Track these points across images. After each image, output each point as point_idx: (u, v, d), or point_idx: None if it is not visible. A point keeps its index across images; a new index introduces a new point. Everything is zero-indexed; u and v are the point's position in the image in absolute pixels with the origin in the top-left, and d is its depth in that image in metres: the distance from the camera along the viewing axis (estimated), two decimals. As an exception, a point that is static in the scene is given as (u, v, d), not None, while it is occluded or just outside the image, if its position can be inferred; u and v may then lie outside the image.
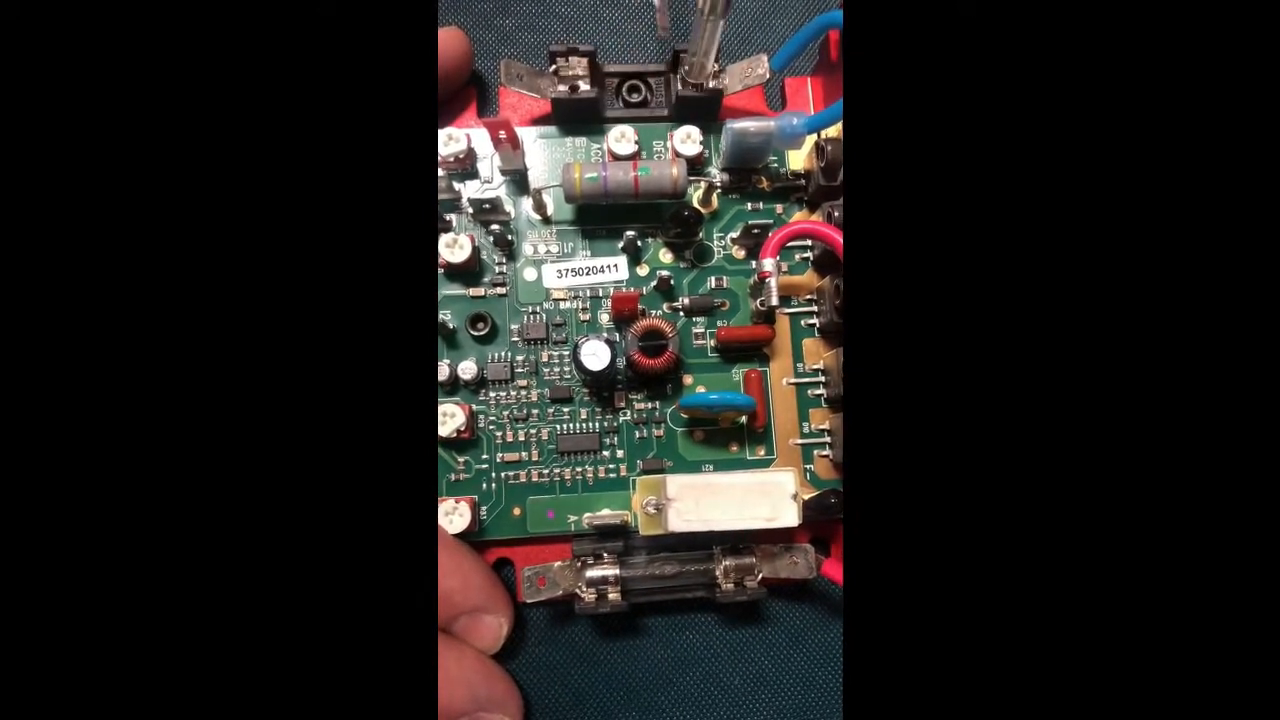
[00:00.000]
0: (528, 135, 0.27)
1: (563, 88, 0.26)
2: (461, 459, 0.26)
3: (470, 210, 0.27)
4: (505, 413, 0.26)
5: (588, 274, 0.27)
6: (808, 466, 0.27)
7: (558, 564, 0.25)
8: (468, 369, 0.26)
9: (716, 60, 0.25)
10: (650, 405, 0.27)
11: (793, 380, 0.27)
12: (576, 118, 0.27)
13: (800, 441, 0.27)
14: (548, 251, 0.27)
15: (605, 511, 0.26)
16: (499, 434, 0.26)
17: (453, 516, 0.25)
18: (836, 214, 0.25)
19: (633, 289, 0.27)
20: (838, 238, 0.23)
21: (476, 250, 0.26)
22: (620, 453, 0.27)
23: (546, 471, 0.26)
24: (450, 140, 0.26)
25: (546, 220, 0.27)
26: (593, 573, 0.25)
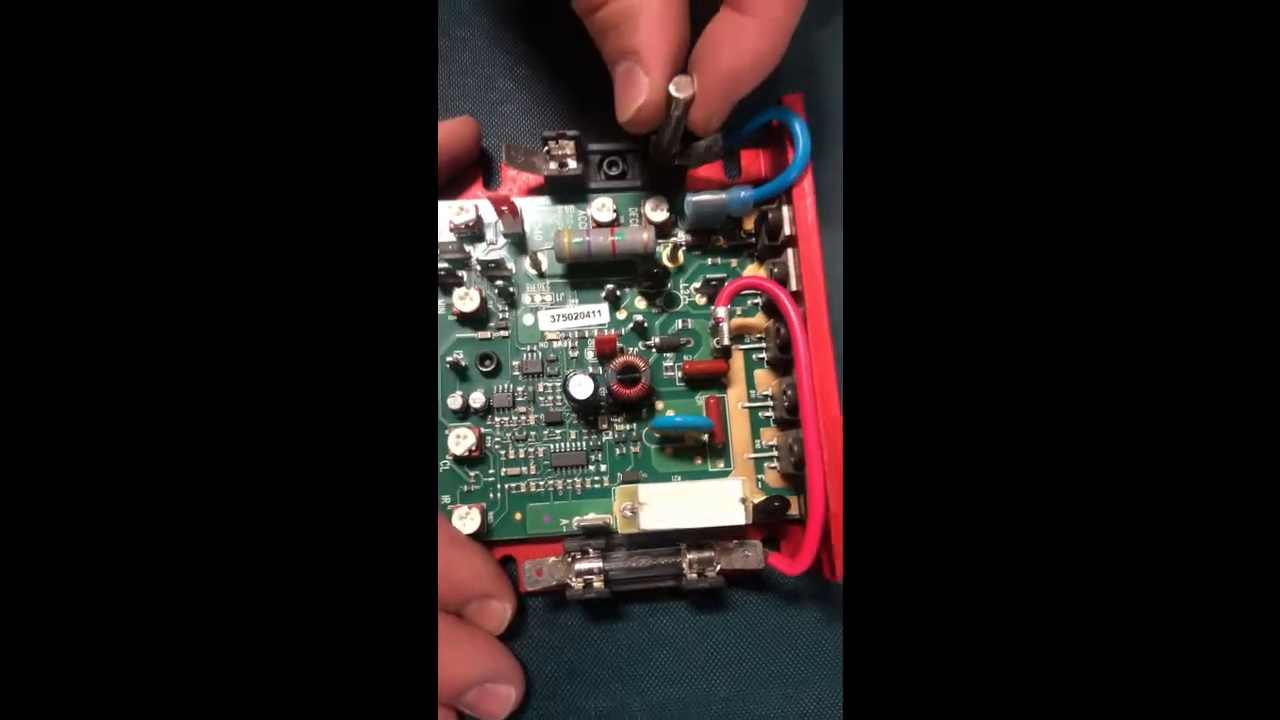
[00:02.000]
0: (526, 205, 0.31)
1: (554, 165, 0.29)
2: (472, 473, 0.30)
3: (478, 268, 0.30)
4: (508, 434, 0.30)
5: (576, 319, 0.31)
6: (759, 476, 0.30)
7: (552, 559, 0.29)
8: (477, 399, 0.30)
9: (681, 143, 0.30)
10: (628, 427, 0.30)
11: (746, 404, 0.31)
12: (565, 189, 0.31)
13: (753, 455, 0.30)
14: (543, 300, 0.31)
15: (591, 515, 0.29)
16: (503, 452, 0.30)
17: (465, 520, 0.29)
18: (776, 270, 0.29)
19: (613, 331, 0.31)
20: (775, 289, 0.28)
21: (484, 300, 0.30)
22: (603, 467, 0.30)
23: (542, 483, 0.30)
24: (461, 211, 0.30)
25: (541, 275, 0.31)
26: (581, 566, 0.28)
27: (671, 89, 0.24)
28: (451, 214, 0.30)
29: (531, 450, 0.30)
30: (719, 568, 0.28)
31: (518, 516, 0.30)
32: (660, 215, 0.31)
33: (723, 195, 0.29)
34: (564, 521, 0.30)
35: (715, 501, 0.27)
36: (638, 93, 0.24)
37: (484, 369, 0.31)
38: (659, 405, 0.31)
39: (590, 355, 0.31)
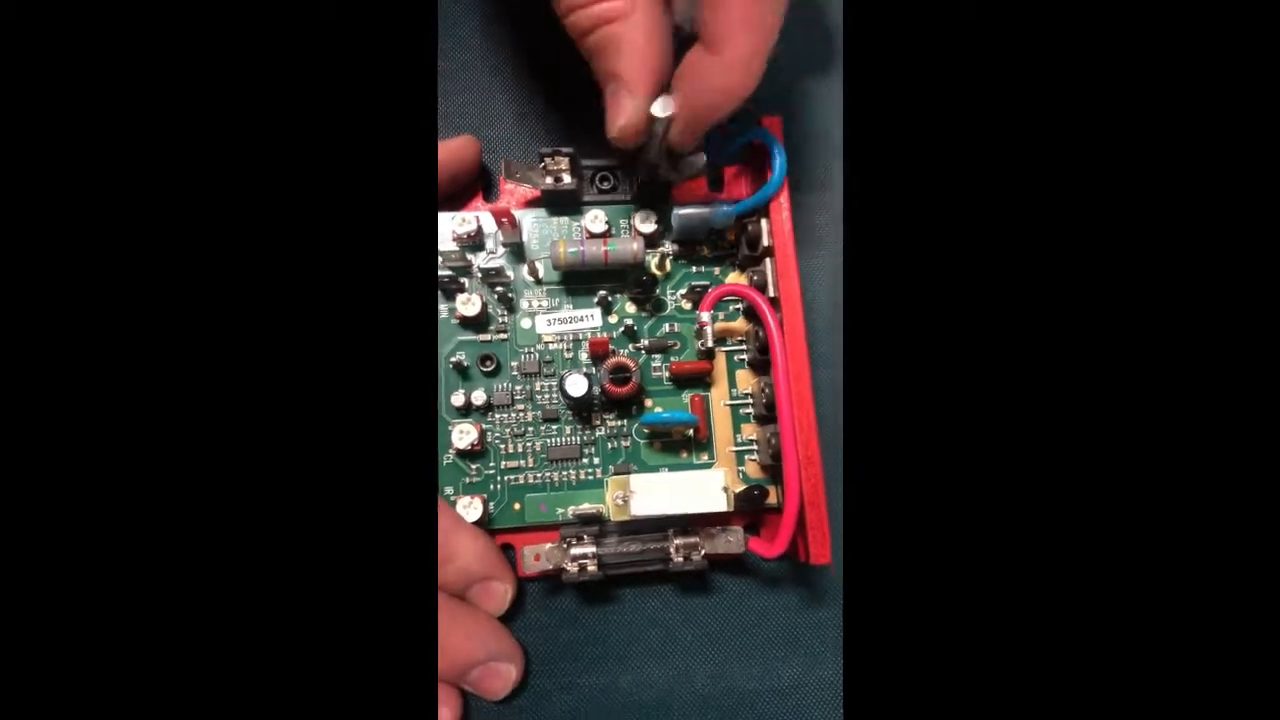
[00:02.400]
0: (523, 216, 0.33)
1: (549, 180, 0.30)
2: (474, 466, 0.32)
3: (479, 275, 0.32)
4: (508, 430, 0.32)
5: (570, 322, 0.32)
6: (740, 468, 0.32)
7: (549, 545, 0.30)
8: (479, 397, 0.31)
9: (668, 160, 0.32)
10: (619, 423, 0.32)
11: (728, 402, 0.32)
12: (561, 202, 0.32)
13: (734, 448, 0.32)
14: (540, 305, 0.33)
15: (585, 505, 0.31)
16: (503, 446, 0.32)
17: (467, 510, 0.30)
18: (756, 277, 0.31)
19: (605, 334, 0.32)
20: (754, 295, 0.30)
21: (485, 305, 0.31)
22: (596, 460, 0.32)
23: (540, 475, 0.32)
24: (464, 222, 0.31)
25: (538, 282, 0.32)
26: (576, 551, 0.29)
27: (653, 109, 0.26)
28: (454, 225, 0.32)
29: (529, 445, 0.32)
30: (703, 552, 0.30)
31: (516, 506, 0.31)
32: (649, 227, 0.33)
33: (707, 209, 0.32)
34: (560, 511, 0.31)
35: (699, 490, 0.29)
36: (620, 112, 0.26)
37: (485, 369, 0.32)
38: (648, 403, 0.33)
39: (584, 356, 0.32)
